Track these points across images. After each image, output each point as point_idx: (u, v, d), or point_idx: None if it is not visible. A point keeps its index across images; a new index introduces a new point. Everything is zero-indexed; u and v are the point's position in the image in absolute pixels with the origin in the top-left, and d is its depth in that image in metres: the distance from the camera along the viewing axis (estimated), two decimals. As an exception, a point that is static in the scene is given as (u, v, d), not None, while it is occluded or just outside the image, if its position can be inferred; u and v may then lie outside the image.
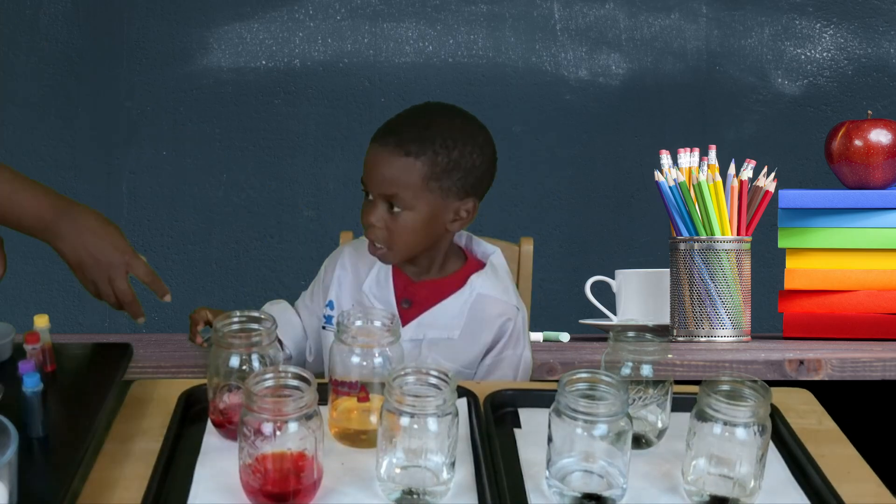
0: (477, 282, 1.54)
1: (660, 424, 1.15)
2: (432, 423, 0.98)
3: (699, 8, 2.64)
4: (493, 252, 1.60)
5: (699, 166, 1.85)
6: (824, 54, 2.65)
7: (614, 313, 2.00)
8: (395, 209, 1.45)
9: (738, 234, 1.83)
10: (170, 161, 2.62)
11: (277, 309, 1.64)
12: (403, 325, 1.51)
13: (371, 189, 1.47)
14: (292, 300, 1.66)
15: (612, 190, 2.67)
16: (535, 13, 2.62)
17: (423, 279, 1.55)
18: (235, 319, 1.11)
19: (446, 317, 1.53)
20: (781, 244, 1.87)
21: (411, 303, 1.54)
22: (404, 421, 0.97)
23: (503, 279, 1.58)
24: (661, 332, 1.17)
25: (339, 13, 2.60)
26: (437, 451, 0.99)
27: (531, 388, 1.29)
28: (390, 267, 1.55)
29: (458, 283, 1.55)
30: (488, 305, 1.54)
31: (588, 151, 2.65)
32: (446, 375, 1.00)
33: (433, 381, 1.00)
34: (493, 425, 1.14)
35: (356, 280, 1.57)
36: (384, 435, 1.00)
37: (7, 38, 2.56)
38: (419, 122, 1.50)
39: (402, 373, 1.01)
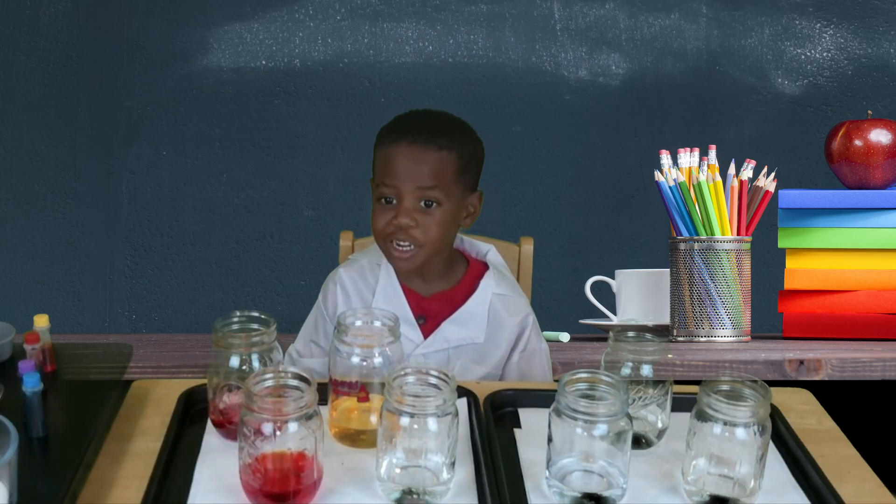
0: (489, 284, 1.56)
1: (660, 424, 1.15)
2: (432, 423, 0.98)
3: (699, 8, 2.64)
4: (488, 250, 1.62)
5: (699, 166, 1.85)
6: (824, 54, 2.65)
7: (614, 313, 2.00)
8: (429, 205, 1.46)
9: (738, 234, 1.83)
10: (170, 161, 2.62)
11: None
12: (425, 337, 1.52)
13: (405, 186, 1.45)
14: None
15: (612, 190, 2.67)
16: (535, 13, 2.62)
17: (434, 293, 1.55)
18: (235, 319, 1.11)
19: (468, 322, 1.54)
20: (781, 244, 1.87)
21: (426, 318, 1.54)
22: (404, 421, 0.97)
23: (508, 277, 1.61)
24: (661, 332, 1.17)
25: (339, 13, 2.60)
26: (436, 451, 0.99)
27: (531, 388, 1.29)
28: (397, 282, 1.54)
29: (468, 288, 1.56)
30: (505, 304, 1.56)
31: (588, 151, 2.65)
32: (446, 375, 1.00)
33: (433, 381, 1.00)
34: (493, 425, 1.14)
35: (361, 302, 1.56)
36: (384, 435, 0.99)
37: (7, 38, 2.56)
38: (434, 119, 1.52)
39: (402, 373, 1.01)
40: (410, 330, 1.52)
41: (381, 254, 1.55)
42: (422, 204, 1.46)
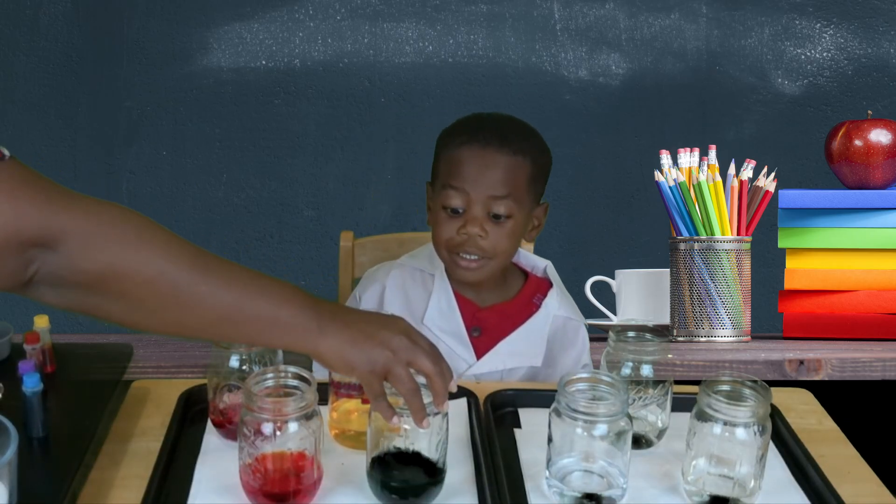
0: (552, 303, 1.47)
1: (660, 424, 1.15)
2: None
3: (699, 8, 2.64)
4: (546, 265, 1.53)
5: (699, 166, 1.85)
6: (824, 54, 2.65)
7: (614, 313, 2.00)
8: (499, 215, 1.35)
9: (738, 234, 1.83)
10: (170, 161, 2.62)
11: None
12: (478, 356, 1.44)
13: (475, 193, 1.33)
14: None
15: (612, 190, 2.67)
16: (535, 13, 2.62)
17: (490, 304, 1.45)
18: (235, 319, 1.11)
19: (526, 344, 1.44)
20: (781, 244, 1.87)
21: (481, 330, 1.45)
22: (393, 420, 0.97)
23: (567, 295, 1.52)
24: (661, 332, 1.17)
25: (339, 13, 2.60)
26: (426, 450, 0.99)
27: (531, 388, 1.29)
28: (453, 294, 1.44)
29: (525, 303, 1.47)
30: (567, 327, 1.48)
31: (588, 151, 2.65)
32: None
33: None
34: (493, 425, 1.14)
35: (408, 311, 1.43)
36: (373, 436, 0.99)
37: (7, 38, 2.56)
38: (506, 122, 1.41)
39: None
40: (463, 349, 1.43)
41: (433, 262, 1.45)
42: (491, 215, 1.35)
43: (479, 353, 1.44)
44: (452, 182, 1.35)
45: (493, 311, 1.46)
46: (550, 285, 1.50)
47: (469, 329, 1.44)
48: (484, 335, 1.45)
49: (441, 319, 1.43)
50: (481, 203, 1.34)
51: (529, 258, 1.54)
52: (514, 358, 1.44)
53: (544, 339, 1.46)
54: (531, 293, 1.49)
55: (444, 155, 1.38)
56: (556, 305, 1.48)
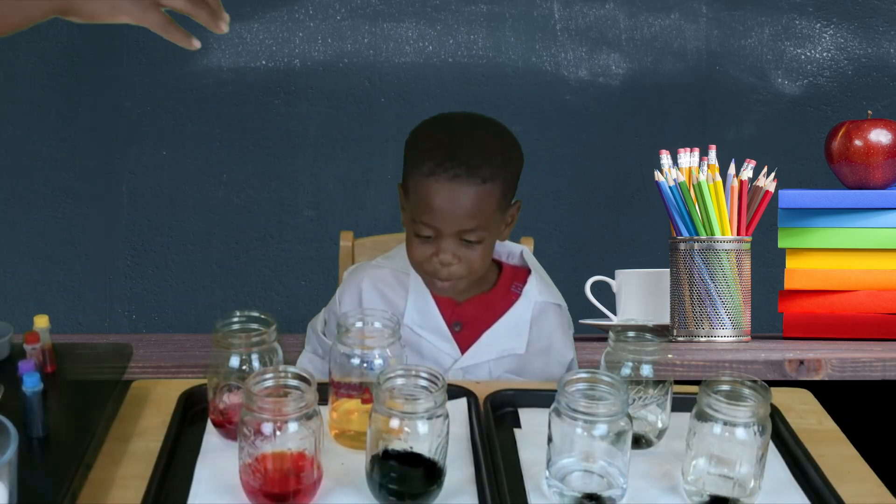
0: (532, 291, 1.48)
1: (660, 424, 1.15)
2: (422, 426, 0.97)
3: (699, 8, 2.64)
4: (521, 249, 1.53)
5: (699, 166, 1.85)
6: (824, 54, 2.65)
7: (614, 313, 2.00)
8: (471, 240, 1.35)
9: (738, 234, 1.83)
10: (170, 161, 2.62)
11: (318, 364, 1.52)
12: (463, 350, 1.45)
13: (446, 228, 1.34)
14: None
15: (612, 190, 2.67)
16: (535, 13, 2.62)
17: (468, 297, 1.46)
18: (235, 319, 1.11)
19: (508, 333, 1.46)
20: (781, 244, 1.87)
21: (462, 325, 1.46)
22: (393, 423, 0.97)
23: (546, 278, 1.52)
24: (661, 332, 1.17)
25: (339, 13, 2.60)
26: (426, 454, 0.98)
27: (531, 388, 1.29)
28: (430, 293, 1.45)
29: (504, 293, 1.48)
30: (549, 313, 1.49)
31: (588, 151, 2.65)
32: (437, 377, 0.99)
33: (423, 382, 0.99)
34: (493, 425, 1.14)
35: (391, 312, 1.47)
36: (373, 437, 0.99)
37: (7, 38, 2.55)
38: (475, 140, 1.37)
39: (392, 374, 1.00)
40: (447, 345, 1.45)
41: (408, 261, 1.44)
42: (461, 239, 1.35)
43: (463, 347, 1.46)
44: (422, 218, 1.35)
45: (472, 303, 1.47)
46: (528, 272, 1.51)
47: (450, 325, 1.46)
48: (465, 329, 1.46)
49: (421, 318, 1.45)
50: (452, 235, 1.35)
51: (504, 246, 1.54)
52: (497, 348, 1.46)
53: (527, 327, 1.47)
54: (508, 282, 1.50)
55: (413, 177, 1.36)
56: (537, 292, 1.48)
